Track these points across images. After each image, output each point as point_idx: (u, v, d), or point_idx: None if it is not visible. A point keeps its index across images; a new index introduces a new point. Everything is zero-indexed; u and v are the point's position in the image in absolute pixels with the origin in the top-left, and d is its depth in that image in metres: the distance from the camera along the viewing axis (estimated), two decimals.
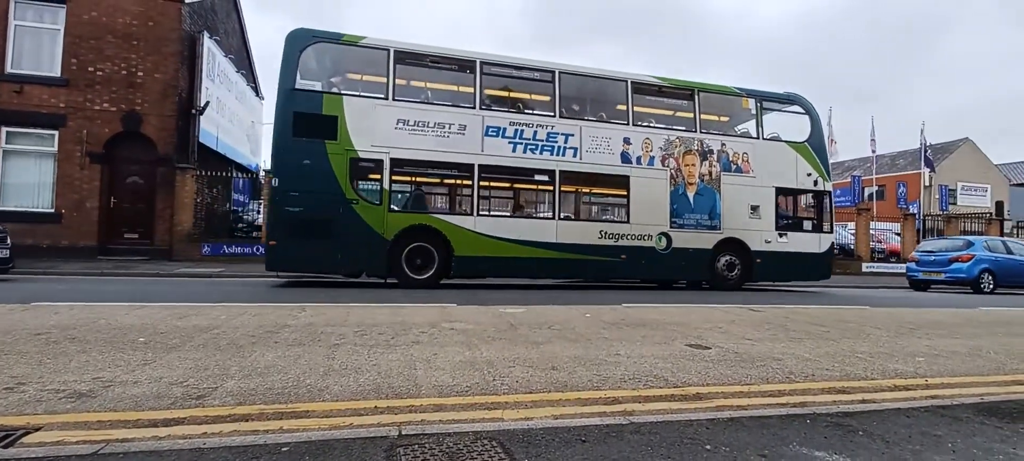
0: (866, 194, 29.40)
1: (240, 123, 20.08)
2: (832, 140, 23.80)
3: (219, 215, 17.29)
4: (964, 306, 9.63)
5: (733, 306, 7.73)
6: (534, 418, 2.66)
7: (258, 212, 17.30)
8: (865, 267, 20.49)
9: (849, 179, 30.30)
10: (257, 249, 15.05)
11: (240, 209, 18.87)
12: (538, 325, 5.32)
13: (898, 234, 23.14)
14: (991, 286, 14.40)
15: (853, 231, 21.77)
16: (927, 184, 31.73)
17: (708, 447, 2.33)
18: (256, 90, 22.62)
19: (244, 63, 21.24)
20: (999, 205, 27.48)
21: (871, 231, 21.84)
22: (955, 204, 35.01)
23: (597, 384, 3.38)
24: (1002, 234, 22.27)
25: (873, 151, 26.78)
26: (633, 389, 3.32)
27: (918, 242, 20.13)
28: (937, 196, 34.09)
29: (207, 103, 15.83)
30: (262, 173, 18.65)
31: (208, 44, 15.97)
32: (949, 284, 14.91)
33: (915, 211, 26.13)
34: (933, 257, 15.11)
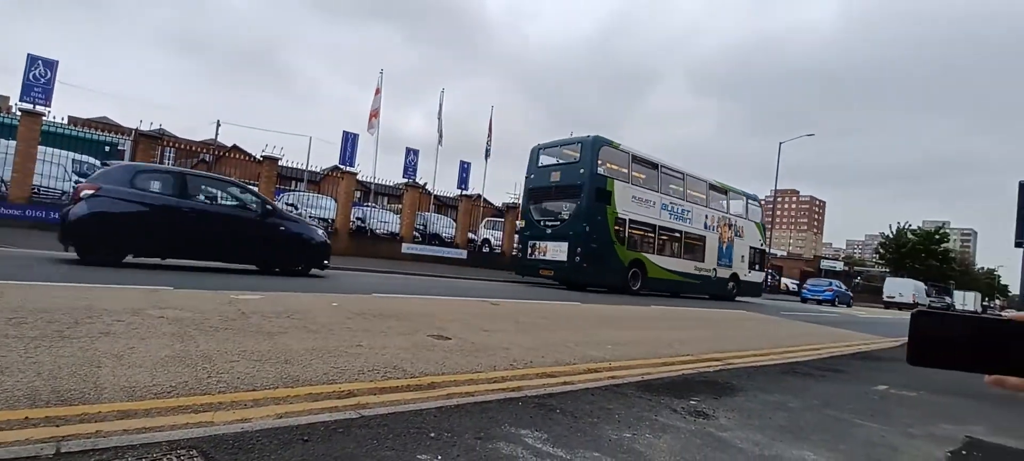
0: None
1: None
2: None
3: None
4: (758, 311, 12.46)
5: (476, 300, 8.39)
6: (253, 419, 2.41)
7: None
8: None
9: None
10: None
11: None
12: (275, 314, 4.86)
13: None
14: (838, 303, 29.65)
15: None
16: None
17: (432, 434, 2.46)
18: None
19: None
20: None
21: None
22: None
23: (333, 377, 3.26)
24: None
25: None
26: (370, 381, 3.30)
27: None
28: None
29: None
30: None
31: None
32: (820, 301, 29.15)
33: None
34: (815, 287, 31.57)
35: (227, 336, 3.86)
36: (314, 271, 9.82)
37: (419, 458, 2.19)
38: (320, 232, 9.95)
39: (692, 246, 17.94)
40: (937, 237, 54.98)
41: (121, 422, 2.20)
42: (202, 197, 8.68)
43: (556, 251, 14.74)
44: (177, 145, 23.16)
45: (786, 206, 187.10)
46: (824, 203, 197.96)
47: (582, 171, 14.63)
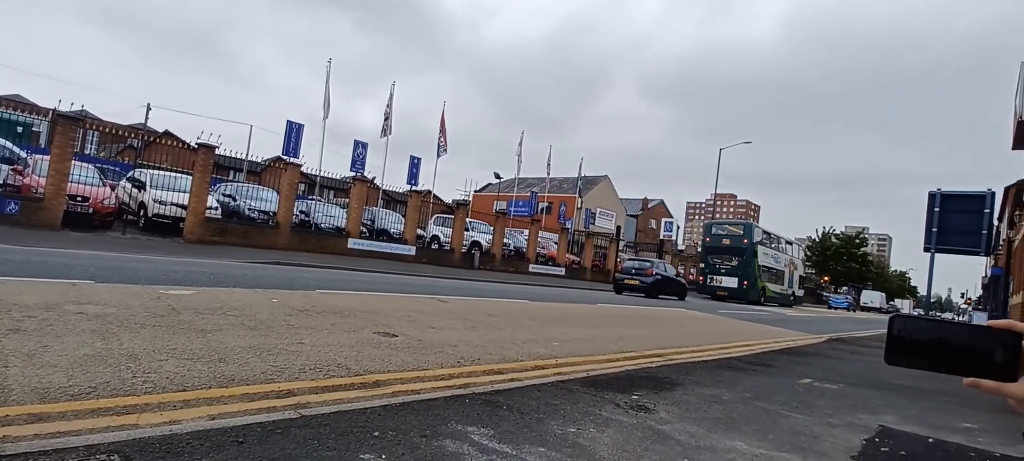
0: (540, 208, 35.73)
1: None
2: (520, 157, 28.34)
3: None
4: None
5: (425, 297, 8.29)
6: (183, 420, 2.28)
7: None
8: (532, 267, 24.82)
9: (528, 194, 36.31)
10: None
11: None
12: (210, 310, 4.62)
13: (556, 243, 28.84)
14: (849, 309, 45.35)
15: (527, 237, 26.12)
16: (579, 206, 40.64)
17: (376, 434, 2.41)
18: None
19: None
20: (618, 229, 37.21)
21: (539, 238, 26.62)
22: (594, 225, 45.72)
23: (272, 376, 3.14)
24: (618, 250, 30.50)
25: (548, 174, 32.77)
26: (312, 380, 3.20)
27: (569, 250, 25.95)
28: (583, 216, 43.88)
29: None
30: None
31: None
32: (836, 309, 41.13)
33: (569, 226, 33.08)
34: (837, 299, 46.68)
35: (155, 333, 3.63)
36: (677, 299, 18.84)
37: (362, 458, 2.14)
38: (683, 281, 22.44)
39: (779, 277, 31.72)
40: (857, 241, 59.32)
41: (32, 426, 2.03)
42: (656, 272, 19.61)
43: (729, 282, 28.10)
44: (101, 128, 21.53)
45: (724, 209, 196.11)
46: (759, 207, 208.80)
47: (745, 241, 28.74)
